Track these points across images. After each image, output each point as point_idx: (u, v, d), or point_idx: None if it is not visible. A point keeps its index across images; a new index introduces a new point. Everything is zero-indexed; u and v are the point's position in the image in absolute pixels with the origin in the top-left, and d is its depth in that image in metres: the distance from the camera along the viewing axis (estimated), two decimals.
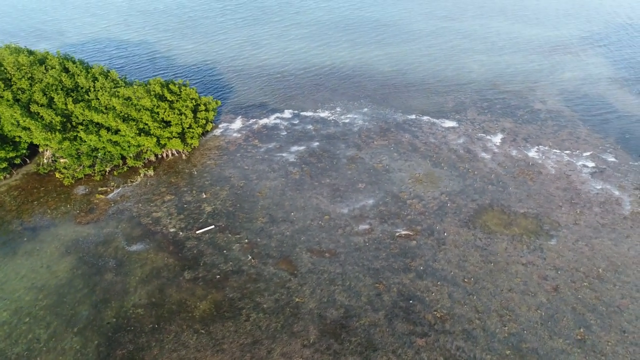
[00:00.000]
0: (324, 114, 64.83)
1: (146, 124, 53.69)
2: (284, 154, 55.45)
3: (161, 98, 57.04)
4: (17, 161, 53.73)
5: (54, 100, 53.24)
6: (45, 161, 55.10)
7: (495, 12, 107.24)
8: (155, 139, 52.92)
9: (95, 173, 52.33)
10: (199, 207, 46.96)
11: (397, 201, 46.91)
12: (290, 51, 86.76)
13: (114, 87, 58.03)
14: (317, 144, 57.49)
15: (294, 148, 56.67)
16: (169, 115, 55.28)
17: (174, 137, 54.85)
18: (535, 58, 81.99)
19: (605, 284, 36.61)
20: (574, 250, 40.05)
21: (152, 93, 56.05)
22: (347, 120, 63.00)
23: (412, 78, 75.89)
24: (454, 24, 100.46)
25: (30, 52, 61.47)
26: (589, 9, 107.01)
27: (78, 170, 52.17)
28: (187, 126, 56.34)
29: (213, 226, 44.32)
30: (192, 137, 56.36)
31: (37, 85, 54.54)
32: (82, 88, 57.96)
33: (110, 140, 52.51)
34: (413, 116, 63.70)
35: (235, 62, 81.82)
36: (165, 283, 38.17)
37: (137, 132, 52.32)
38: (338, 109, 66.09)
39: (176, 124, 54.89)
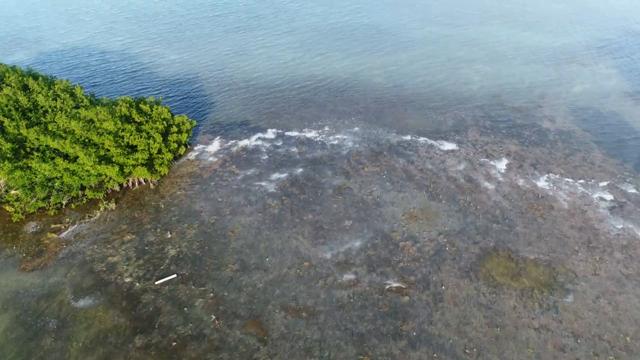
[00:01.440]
0: (311, 134, 58.90)
1: (108, 150, 47.87)
2: (263, 183, 49.54)
3: (128, 120, 51.26)
4: None
5: (4, 124, 47.37)
6: None
7: (498, 18, 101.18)
8: (117, 168, 47.07)
9: (49, 207, 46.50)
10: (162, 249, 41.06)
11: (388, 243, 40.97)
12: (280, 62, 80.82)
13: (76, 107, 52.34)
14: (301, 170, 51.56)
15: (275, 176, 50.76)
16: (135, 140, 49.47)
17: (139, 164, 49.01)
18: (542, 69, 75.98)
19: (635, 357, 30.67)
20: (595, 311, 34.11)
21: (118, 114, 50.27)
22: (335, 142, 57.07)
23: (409, 92, 69.92)
24: (454, 31, 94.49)
25: None
26: (601, 15, 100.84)
27: (30, 203, 46.32)
28: (156, 151, 50.51)
29: (175, 275, 38.43)
30: (161, 164, 50.48)
31: None
32: (41, 107, 52.22)
33: (67, 169, 46.69)
34: (408, 137, 57.74)
35: (219, 74, 75.89)
36: (111, 352, 32.28)
37: (97, 159, 46.45)
38: (326, 128, 60.15)
39: (143, 150, 49.05)
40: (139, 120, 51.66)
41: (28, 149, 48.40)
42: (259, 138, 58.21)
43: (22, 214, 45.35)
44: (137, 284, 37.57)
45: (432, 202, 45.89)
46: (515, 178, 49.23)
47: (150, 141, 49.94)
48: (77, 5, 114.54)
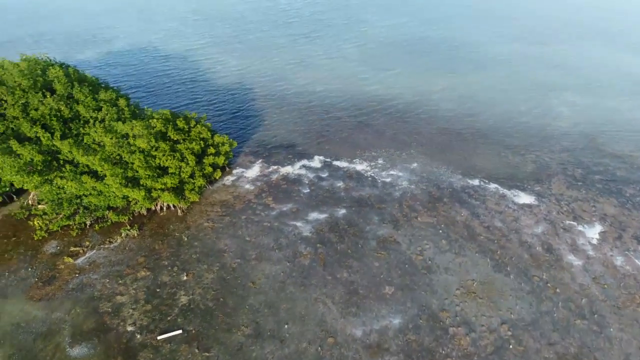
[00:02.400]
0: (361, 166, 52.00)
1: (137, 171, 44.41)
2: (298, 224, 43.54)
3: (163, 136, 47.67)
4: None
5: (39, 135, 45.52)
6: (29, 202, 47.85)
7: (594, 37, 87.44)
8: (144, 192, 43.42)
9: (74, 226, 43.90)
10: (173, 294, 36.46)
11: (435, 327, 33.18)
12: (341, 76, 74.59)
13: (117, 119, 49.72)
14: (343, 212, 44.91)
15: (313, 215, 44.55)
16: (167, 161, 45.68)
17: (167, 189, 45.12)
18: None
19: None
20: None
21: (153, 131, 46.80)
22: (388, 179, 49.71)
23: (482, 123, 60.57)
24: (542, 51, 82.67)
25: (44, 70, 54.83)
26: None
27: (55, 220, 44.00)
28: (188, 175, 46.40)
29: (180, 331, 33.56)
30: (191, 190, 46.26)
31: (32, 112, 47.37)
32: (82, 118, 50.22)
33: (94, 188, 43.86)
34: (476, 181, 48.93)
35: (274, 87, 71.21)
36: None
37: (124, 181, 43.06)
38: (380, 161, 52.92)
39: (173, 174, 45.08)
40: (175, 138, 47.93)
41: (61, 161, 46.24)
42: (304, 166, 52.35)
43: (45, 231, 43.04)
44: (138, 336, 33.13)
45: (497, 275, 37.23)
46: (611, 254, 39.00)
47: (183, 164, 45.89)
48: (155, 5, 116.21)
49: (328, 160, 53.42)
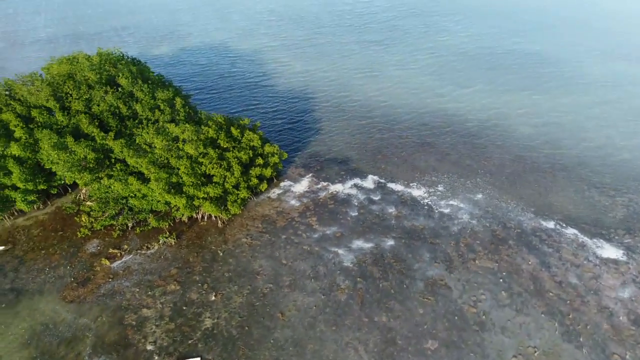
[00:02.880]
0: (418, 192, 47.25)
1: (181, 177, 43.32)
2: (340, 251, 40.00)
3: (213, 143, 46.34)
4: (54, 191, 48.07)
5: (94, 134, 45.98)
6: (80, 197, 48.79)
7: None
8: (186, 199, 42.19)
9: (117, 226, 43.80)
10: (198, 315, 34.55)
11: None
12: (410, 88, 69.72)
13: (171, 121, 49.34)
14: (391, 243, 40.65)
15: (358, 243, 40.77)
16: (212, 169, 44.21)
17: (211, 197, 43.59)
18: None
19: None
20: None
21: (204, 136, 45.59)
22: (447, 210, 44.57)
23: (564, 153, 53.07)
24: None
25: (114, 64, 56.08)
26: None
27: (100, 218, 44.17)
28: (232, 185, 44.59)
29: (199, 359, 31.46)
30: (234, 202, 44.37)
31: (94, 108, 48.20)
32: (139, 117, 50.40)
33: (139, 190, 43.40)
34: (551, 224, 42.33)
35: (338, 95, 68.05)
36: None
37: (167, 187, 42.09)
38: (440, 188, 47.80)
39: (216, 184, 43.46)
40: (224, 146, 46.41)
41: (113, 160, 46.43)
42: (355, 185, 48.63)
43: (89, 229, 43.28)
44: (157, 358, 31.49)
45: (565, 345, 31.16)
46: None
47: (228, 174, 44.14)
48: (233, 3, 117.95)
49: (382, 181, 49.23)
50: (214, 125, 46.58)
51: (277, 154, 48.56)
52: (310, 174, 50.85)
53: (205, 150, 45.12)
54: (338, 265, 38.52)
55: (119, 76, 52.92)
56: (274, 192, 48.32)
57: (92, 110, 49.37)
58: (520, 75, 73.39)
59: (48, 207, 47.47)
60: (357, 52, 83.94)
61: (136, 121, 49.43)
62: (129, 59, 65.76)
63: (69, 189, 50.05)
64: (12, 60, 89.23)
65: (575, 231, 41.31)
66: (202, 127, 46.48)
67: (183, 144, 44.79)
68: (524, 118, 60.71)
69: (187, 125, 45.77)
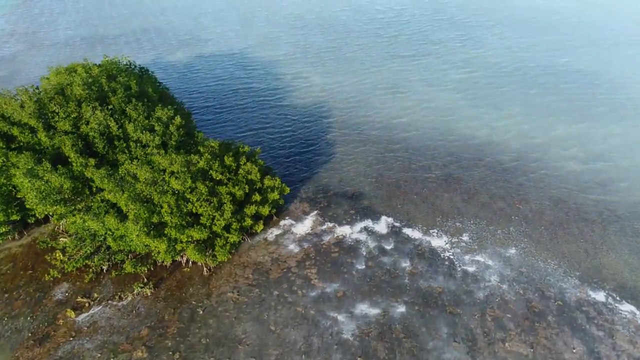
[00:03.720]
0: (439, 242, 40.23)
1: (163, 216, 37.89)
2: (340, 317, 33.58)
3: (204, 174, 40.79)
4: (31, 220, 43.73)
5: (71, 159, 41.16)
6: (57, 229, 44.22)
7: None
8: (167, 243, 36.72)
9: (91, 267, 38.85)
10: None
11: None
12: (435, 110, 62.35)
13: (161, 145, 44.16)
14: (402, 310, 33.92)
15: (362, 308, 34.25)
16: (200, 207, 38.60)
17: (195, 241, 38.02)
18: None
19: None
20: None
21: (194, 167, 40.10)
22: (472, 268, 37.40)
23: (619, 199, 44.79)
24: None
25: (113, 77, 51.74)
26: None
27: (72, 258, 39.29)
28: (222, 227, 38.84)
29: None
30: (222, 247, 38.59)
31: (82, 127, 43.61)
32: (131, 137, 45.44)
33: (117, 229, 38.26)
34: (601, 295, 34.57)
35: (355, 115, 61.46)
36: None
37: (146, 229, 36.70)
38: (465, 237, 40.61)
39: (202, 226, 37.77)
40: (217, 178, 40.80)
41: (94, 189, 41.56)
42: (366, 229, 42.04)
43: (60, 271, 38.42)
44: None
45: None
46: None
47: (217, 214, 38.41)
48: (259, 8, 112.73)
49: (397, 224, 42.40)
50: (206, 154, 40.97)
51: (277, 188, 42.59)
52: (316, 211, 44.56)
53: (195, 184, 39.57)
54: (336, 337, 32.11)
55: (109, 96, 48.08)
56: (272, 233, 42.31)
57: (81, 129, 44.81)
58: (565, 98, 64.71)
59: (24, 238, 43.18)
60: (382, 65, 76.95)
61: (124, 145, 44.45)
62: (134, 69, 61.69)
63: (50, 217, 45.68)
64: (27, 64, 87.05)
65: (633, 308, 33.42)
66: (193, 156, 40.90)
67: (170, 177, 39.36)
68: (568, 151, 52.41)
69: (175, 155, 40.30)
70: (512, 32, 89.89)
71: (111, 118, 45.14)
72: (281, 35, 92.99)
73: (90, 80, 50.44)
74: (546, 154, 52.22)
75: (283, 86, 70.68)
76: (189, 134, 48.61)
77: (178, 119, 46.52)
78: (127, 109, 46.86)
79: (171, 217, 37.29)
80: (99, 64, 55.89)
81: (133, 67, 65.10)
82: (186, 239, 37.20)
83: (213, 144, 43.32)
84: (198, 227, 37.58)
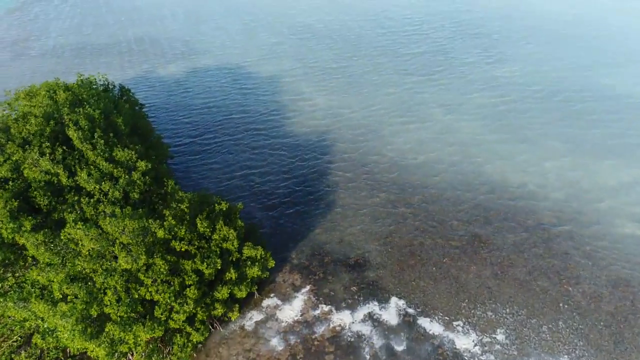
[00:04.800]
0: (464, 341, 30.87)
1: (106, 305, 29.20)
2: None
3: (167, 245, 32.12)
4: None
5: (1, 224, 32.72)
6: None
7: None
8: (108, 346, 28.03)
9: None
10: None
11: None
12: (454, 142, 52.89)
13: (120, 199, 35.70)
14: None
15: None
16: (156, 292, 29.86)
17: (146, 341, 29.30)
18: None
19: None
20: None
21: (150, 240, 31.41)
22: None
23: None
24: None
25: (79, 103, 43.73)
26: None
27: None
28: (181, 322, 30.00)
29: None
30: (183, 347, 29.77)
31: (26, 172, 35.42)
32: (81, 192, 37.00)
33: (43, 321, 29.76)
34: None
35: (361, 151, 52.29)
36: None
37: (83, 326, 28.05)
38: (499, 335, 31.16)
39: (156, 321, 28.98)
40: (183, 249, 32.09)
41: (29, 259, 33.16)
42: (370, 316, 32.88)
43: None
44: None
45: None
46: None
47: (177, 304, 29.60)
48: (265, 16, 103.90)
49: (411, 311, 33.14)
50: (169, 219, 32.24)
51: (259, 261, 33.68)
52: (308, 286, 35.51)
53: (152, 260, 30.86)
54: None
55: (69, 127, 39.69)
56: (251, 318, 33.41)
57: (25, 174, 36.53)
58: (614, 132, 54.62)
59: None
60: (396, 85, 67.56)
61: (75, 198, 35.98)
62: (113, 89, 53.92)
63: None
64: (6, 77, 79.62)
65: None
66: (152, 222, 32.13)
67: (120, 250, 30.68)
68: (628, 209, 42.45)
69: (129, 220, 31.55)
70: (543, 47, 79.66)
71: (60, 165, 36.86)
72: (285, 48, 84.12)
73: (50, 109, 42.48)
74: (598, 211, 42.36)
75: (282, 110, 61.76)
76: (159, 181, 40.09)
77: (142, 164, 38.18)
78: (83, 148, 38.51)
79: (116, 308, 28.58)
80: (70, 85, 48.35)
81: (111, 87, 57.15)
82: (133, 340, 28.43)
83: (184, 199, 34.69)
84: (150, 322, 28.80)
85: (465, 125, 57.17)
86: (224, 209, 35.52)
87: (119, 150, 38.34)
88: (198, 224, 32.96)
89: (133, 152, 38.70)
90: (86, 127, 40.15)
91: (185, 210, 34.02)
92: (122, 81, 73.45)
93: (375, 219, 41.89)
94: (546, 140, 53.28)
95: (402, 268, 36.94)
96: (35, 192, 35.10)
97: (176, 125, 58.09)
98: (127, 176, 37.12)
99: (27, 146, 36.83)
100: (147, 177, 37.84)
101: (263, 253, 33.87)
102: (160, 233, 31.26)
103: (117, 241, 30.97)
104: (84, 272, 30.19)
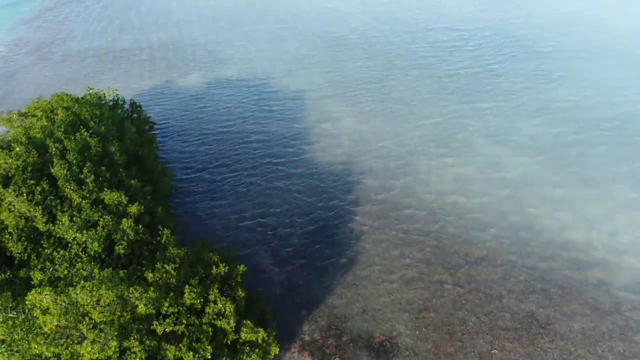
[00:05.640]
0: None
1: None
2: None
3: (148, 322, 26.05)
4: None
5: None
6: None
7: None
8: None
9: None
10: None
11: None
12: (503, 184, 44.85)
13: (97, 257, 30.19)
14: None
15: None
16: None
17: None
18: None
19: None
20: None
21: (127, 316, 25.44)
22: None
23: None
24: None
25: (74, 125, 38.99)
26: None
27: None
28: None
29: None
30: None
31: (4, 214, 30.62)
32: (59, 241, 31.58)
33: None
34: None
35: (391, 191, 45.12)
36: None
37: None
38: None
39: None
40: (167, 330, 25.98)
41: None
42: None
43: None
44: None
45: None
46: None
47: None
48: (295, 24, 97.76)
49: None
50: (150, 291, 26.13)
51: (260, 348, 27.14)
52: None
53: (127, 343, 24.84)
54: None
55: (54, 161, 34.42)
56: None
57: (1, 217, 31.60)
58: None
59: None
60: (434, 107, 59.86)
61: (49, 251, 30.58)
62: (122, 105, 49.16)
63: None
64: (25, 83, 76.87)
65: None
66: (132, 291, 26.09)
67: (89, 329, 24.77)
68: None
69: (103, 290, 25.58)
70: (613, 71, 69.68)
71: (39, 208, 31.70)
72: (315, 61, 77.55)
73: (42, 136, 37.81)
74: None
75: (305, 135, 55.19)
76: (154, 227, 34.28)
77: (134, 208, 32.54)
78: (66, 189, 33.17)
79: None
80: (74, 102, 43.82)
81: (121, 102, 52.28)
82: None
83: (175, 258, 28.69)
84: None
85: (515, 161, 48.98)
86: (222, 273, 29.25)
87: (108, 192, 32.60)
88: (186, 296, 26.70)
89: (124, 195, 32.87)
90: (74, 160, 34.69)
91: (173, 273, 27.86)
92: (139, 92, 68.87)
93: (406, 285, 34.63)
94: (617, 186, 44.49)
95: (437, 356, 29.59)
96: (7, 237, 30.03)
97: (187, 149, 52.48)
98: (113, 225, 31.34)
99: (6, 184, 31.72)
100: (139, 226, 32.00)
101: (265, 336, 27.32)
102: (141, 308, 25.14)
103: (87, 318, 25.08)
104: (42, 358, 24.42)
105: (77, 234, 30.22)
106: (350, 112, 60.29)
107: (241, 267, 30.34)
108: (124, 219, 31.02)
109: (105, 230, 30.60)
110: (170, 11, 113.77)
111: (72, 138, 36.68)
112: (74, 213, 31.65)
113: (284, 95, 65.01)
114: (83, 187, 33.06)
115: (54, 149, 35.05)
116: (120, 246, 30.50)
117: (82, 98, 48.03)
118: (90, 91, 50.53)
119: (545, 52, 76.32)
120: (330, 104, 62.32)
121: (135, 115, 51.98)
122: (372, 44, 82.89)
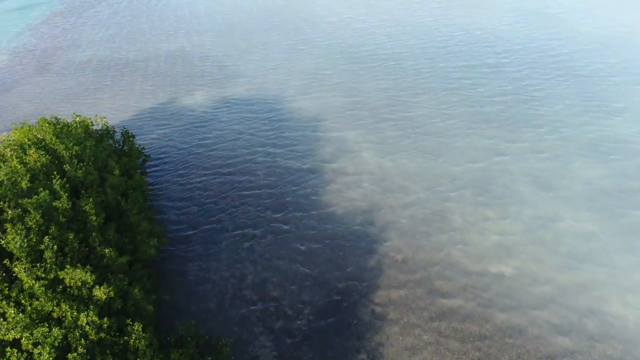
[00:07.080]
0: None
1: None
2: None
3: None
4: None
5: None
6: None
7: None
8: None
9: None
10: None
11: None
12: (554, 250, 36.80)
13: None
14: None
15: None
16: None
17: None
18: None
19: None
20: None
21: None
22: None
23: None
24: None
25: (47, 171, 32.87)
26: None
27: None
28: None
29: None
30: None
31: None
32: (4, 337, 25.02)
33: None
34: None
35: (417, 252, 37.50)
36: None
37: None
38: None
39: None
40: None
41: None
42: None
43: None
44: None
45: None
46: None
47: None
48: (316, 38, 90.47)
49: None
50: None
51: None
52: None
53: None
54: None
55: (7, 229, 27.79)
56: None
57: None
58: None
59: None
60: (469, 145, 51.98)
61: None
62: (111, 135, 43.12)
63: None
64: (21, 98, 71.36)
65: None
66: None
67: None
68: None
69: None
70: None
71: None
72: (334, 80, 70.27)
73: (5, 188, 31.65)
74: None
75: (319, 175, 47.92)
76: (126, 316, 27.51)
77: (101, 292, 25.92)
78: (16, 269, 26.66)
79: None
80: (60, 130, 37.86)
81: (111, 132, 46.07)
82: None
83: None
84: None
85: (569, 217, 40.83)
86: None
87: (70, 270, 25.98)
88: None
89: (89, 273, 26.12)
90: (35, 227, 28.18)
91: None
92: (138, 113, 62.60)
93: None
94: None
95: None
96: None
97: (182, 193, 45.66)
98: (72, 316, 24.75)
99: None
100: (104, 319, 25.25)
101: None
102: None
103: None
104: None
105: (24, 332, 23.57)
106: (370, 142, 52.89)
107: (225, 350, 23.42)
108: (83, 314, 24.25)
109: (62, 329, 23.91)
110: (182, 18, 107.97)
111: (35, 195, 30.15)
112: (25, 299, 25.14)
113: (297, 123, 57.85)
114: (40, 263, 26.44)
115: (8, 214, 28.52)
116: (80, 347, 23.72)
117: (66, 126, 42.05)
118: (77, 118, 44.53)
119: (597, 77, 67.28)
120: (347, 132, 55.03)
121: (126, 148, 45.67)
122: (398, 62, 75.09)
